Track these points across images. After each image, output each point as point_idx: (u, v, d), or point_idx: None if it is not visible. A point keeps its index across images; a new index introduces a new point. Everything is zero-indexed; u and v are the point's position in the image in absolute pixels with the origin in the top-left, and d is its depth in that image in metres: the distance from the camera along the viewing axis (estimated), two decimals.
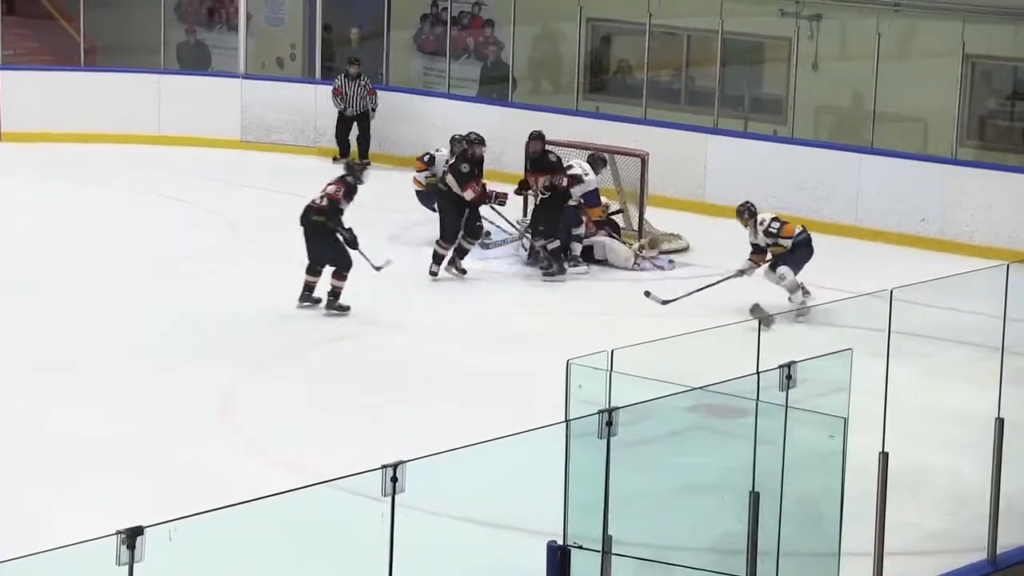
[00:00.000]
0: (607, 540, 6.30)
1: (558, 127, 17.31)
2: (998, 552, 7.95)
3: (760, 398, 6.64)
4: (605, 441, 6.12)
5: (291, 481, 5.76)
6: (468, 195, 14.17)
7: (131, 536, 4.76)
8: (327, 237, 13.15)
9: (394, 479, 5.37)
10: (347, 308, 13.08)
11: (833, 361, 6.84)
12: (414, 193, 15.88)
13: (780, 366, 6.62)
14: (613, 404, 6.18)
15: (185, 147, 19.12)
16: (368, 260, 13.39)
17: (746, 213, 13.61)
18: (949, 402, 10.73)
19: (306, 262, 13.23)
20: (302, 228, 13.23)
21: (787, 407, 6.67)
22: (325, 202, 13.21)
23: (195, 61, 20.97)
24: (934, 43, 16.68)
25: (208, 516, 4.98)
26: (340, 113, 18.89)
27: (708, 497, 7.03)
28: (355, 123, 18.85)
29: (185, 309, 13.07)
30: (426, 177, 15.66)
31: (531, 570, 6.49)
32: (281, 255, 15.03)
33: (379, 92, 19.05)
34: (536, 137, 14.96)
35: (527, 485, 7.41)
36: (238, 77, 19.85)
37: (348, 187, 13.34)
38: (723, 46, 17.39)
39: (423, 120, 18.69)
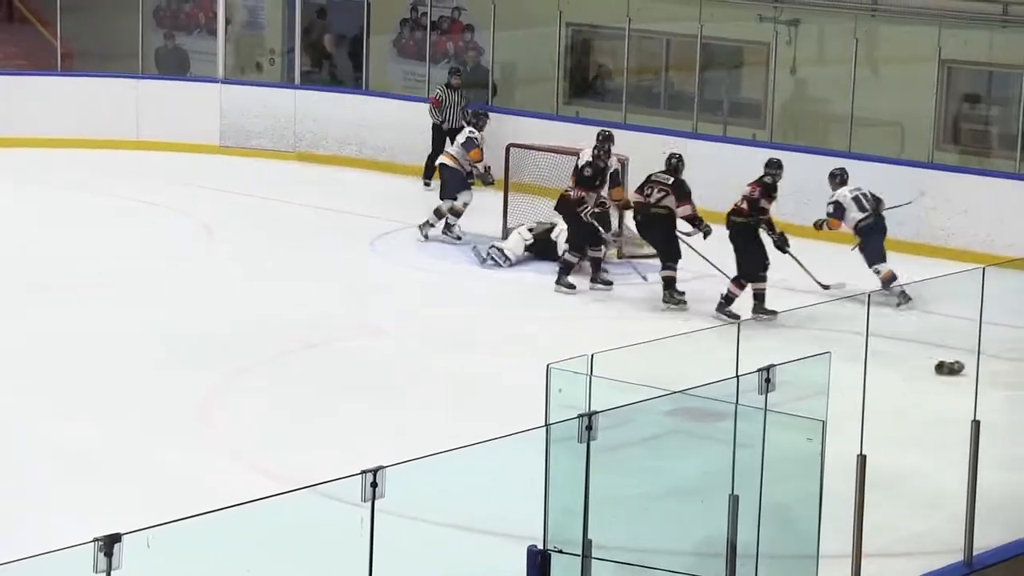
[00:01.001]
0: (587, 544, 6.31)
1: (538, 132, 17.33)
2: (974, 554, 7.98)
3: (739, 401, 6.66)
4: (585, 445, 6.13)
5: (271, 487, 5.76)
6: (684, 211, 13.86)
7: (108, 544, 4.75)
8: (750, 239, 13.15)
9: (374, 484, 5.37)
10: (775, 313, 12.81)
11: (812, 364, 6.87)
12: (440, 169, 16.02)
13: (759, 369, 6.64)
14: (593, 408, 6.19)
15: (163, 152, 19.08)
16: (810, 274, 13.58)
17: (838, 178, 14.09)
18: (926, 405, 10.78)
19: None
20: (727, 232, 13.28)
21: (766, 410, 6.69)
22: (745, 204, 13.22)
23: (173, 66, 20.93)
24: (911, 48, 16.72)
25: (186, 523, 4.97)
26: (436, 126, 17.99)
27: (688, 500, 7.05)
28: (447, 139, 17.58)
29: (163, 314, 13.04)
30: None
31: (511, 574, 6.49)
32: (260, 260, 15.04)
33: (371, 98, 19.06)
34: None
35: (507, 490, 7.41)
36: (217, 82, 19.82)
37: (765, 187, 13.32)
38: (702, 51, 17.43)
39: (405, 124, 18.69)
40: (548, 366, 6.38)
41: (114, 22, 20.59)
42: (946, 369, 11.64)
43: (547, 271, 14.65)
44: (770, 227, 13.44)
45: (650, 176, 13.90)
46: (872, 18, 16.92)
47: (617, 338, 7.44)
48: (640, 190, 13.90)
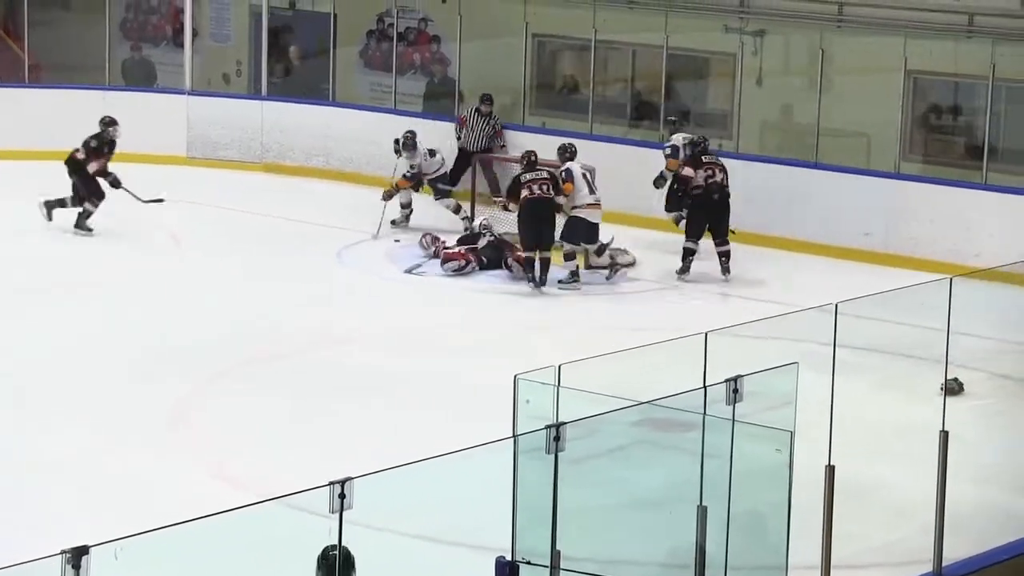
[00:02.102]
0: (555, 555, 6.30)
1: (505, 142, 17.33)
2: (943, 565, 8.00)
3: (707, 412, 6.66)
4: (553, 456, 6.12)
5: (241, 497, 5.74)
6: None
7: (76, 556, 4.72)
8: None
9: (342, 495, 5.36)
10: None
11: (779, 375, 6.87)
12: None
13: (727, 380, 6.64)
14: (561, 419, 6.19)
15: (131, 163, 18.97)
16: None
17: (677, 123, 16.14)
18: (894, 415, 10.81)
19: None
20: None
21: (734, 421, 6.69)
22: None
23: (140, 77, 20.87)
24: (876, 59, 16.80)
25: (155, 534, 4.95)
26: (460, 149, 17.62)
27: (656, 511, 7.05)
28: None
29: (133, 325, 13.01)
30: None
31: None
32: (229, 270, 15.01)
33: (337, 110, 19.04)
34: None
35: (475, 500, 7.40)
36: (184, 93, 19.77)
37: None
38: (668, 62, 17.47)
39: (371, 136, 18.68)
40: (515, 377, 6.37)
41: (81, 34, 20.53)
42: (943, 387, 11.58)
43: (510, 280, 14.69)
44: None
45: (699, 157, 15.08)
46: (838, 29, 16.99)
47: (585, 349, 7.44)
48: (693, 166, 15.02)
